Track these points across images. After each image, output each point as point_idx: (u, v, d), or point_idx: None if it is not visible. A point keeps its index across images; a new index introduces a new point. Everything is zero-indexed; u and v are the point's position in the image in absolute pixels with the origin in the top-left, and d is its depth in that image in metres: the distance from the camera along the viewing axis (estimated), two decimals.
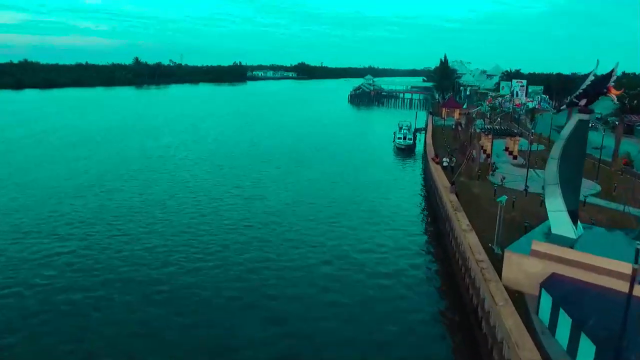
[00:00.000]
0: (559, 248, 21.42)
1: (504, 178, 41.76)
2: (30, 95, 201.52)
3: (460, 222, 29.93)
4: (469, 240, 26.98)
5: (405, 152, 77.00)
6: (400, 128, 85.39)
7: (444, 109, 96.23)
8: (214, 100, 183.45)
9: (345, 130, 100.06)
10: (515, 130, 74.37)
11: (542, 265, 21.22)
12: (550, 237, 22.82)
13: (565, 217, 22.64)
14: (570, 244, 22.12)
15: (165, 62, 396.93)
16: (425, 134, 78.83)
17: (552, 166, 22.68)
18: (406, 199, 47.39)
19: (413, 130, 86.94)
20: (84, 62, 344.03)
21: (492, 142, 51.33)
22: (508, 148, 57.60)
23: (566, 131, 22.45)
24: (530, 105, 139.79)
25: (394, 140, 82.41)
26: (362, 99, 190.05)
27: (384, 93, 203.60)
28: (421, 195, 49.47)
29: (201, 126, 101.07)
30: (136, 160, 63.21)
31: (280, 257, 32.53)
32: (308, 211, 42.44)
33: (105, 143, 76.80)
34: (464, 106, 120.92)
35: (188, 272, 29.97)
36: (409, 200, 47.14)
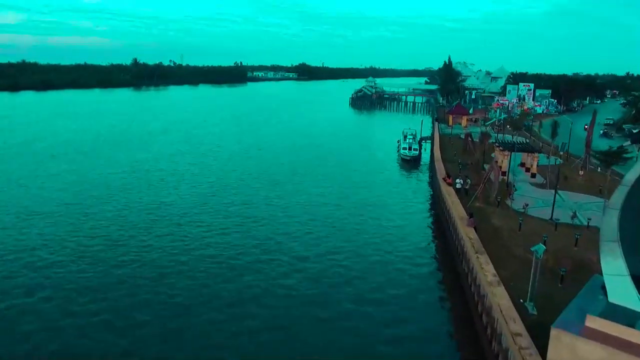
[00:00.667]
0: (625, 329, 16.53)
1: (527, 205, 36.83)
2: (25, 97, 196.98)
3: (485, 270, 25.03)
4: (498, 299, 22.09)
5: (411, 163, 72.22)
6: (405, 137, 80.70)
7: (450, 116, 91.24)
8: (212, 103, 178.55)
9: (347, 138, 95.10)
10: (532, 144, 69.53)
11: (602, 352, 16.30)
12: (607, 309, 17.91)
13: (628, 283, 17.71)
14: (635, 319, 17.23)
15: (166, 62, 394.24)
16: (432, 144, 73.92)
17: (612, 218, 17.76)
18: (414, 226, 42.04)
19: (418, 139, 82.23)
20: (84, 63, 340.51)
21: (509, 160, 46.32)
22: (525, 164, 52.64)
23: (632, 175, 17.55)
24: (538, 110, 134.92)
25: (399, 151, 77.66)
26: (364, 102, 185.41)
27: (386, 95, 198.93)
28: (431, 220, 44.28)
29: (195, 134, 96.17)
30: (119, 176, 58.26)
31: (270, 307, 27.67)
32: (303, 244, 37.53)
33: (90, 154, 71.94)
34: (470, 111, 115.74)
35: (161, 323, 25.17)
36: (418, 228, 41.65)
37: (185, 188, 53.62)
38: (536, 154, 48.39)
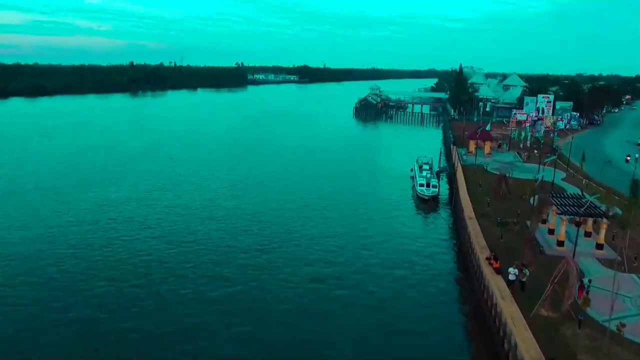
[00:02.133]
0: None
1: (623, 326, 25.24)
2: (13, 105, 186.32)
3: None
4: None
5: (429, 203, 60.71)
6: (420, 167, 69.38)
7: (471, 141, 79.58)
8: (207, 113, 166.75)
9: (352, 166, 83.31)
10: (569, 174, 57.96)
11: None
12: None
13: None
14: None
15: (167, 63, 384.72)
16: (454, 183, 61.92)
17: None
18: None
19: (435, 170, 70.98)
20: (83, 65, 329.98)
21: (577, 231, 34.67)
22: (581, 222, 40.70)
23: None
24: (560, 125, 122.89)
25: (414, 186, 66.22)
26: (369, 111, 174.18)
27: (392, 103, 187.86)
28: (473, 341, 30.43)
29: (180, 159, 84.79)
30: (71, 230, 46.75)
31: None
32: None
33: (49, 192, 60.20)
34: (487, 127, 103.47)
35: None
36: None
37: (154, 251, 42.15)
38: (605, 220, 36.62)
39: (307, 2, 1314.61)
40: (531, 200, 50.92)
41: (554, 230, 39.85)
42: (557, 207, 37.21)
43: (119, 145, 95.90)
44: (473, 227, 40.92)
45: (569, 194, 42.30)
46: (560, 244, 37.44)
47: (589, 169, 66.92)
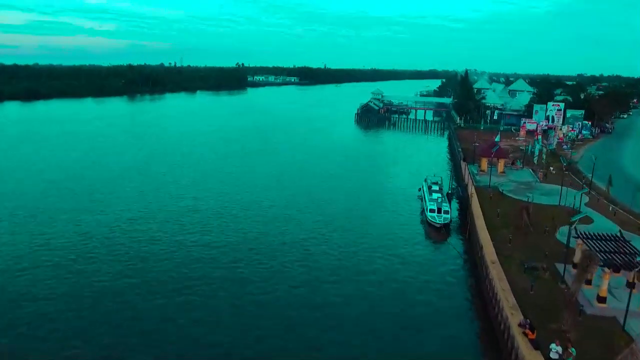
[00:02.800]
0: None
1: None
2: (7, 110, 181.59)
3: None
4: None
5: (440, 231, 55.42)
6: (430, 188, 64.17)
7: (484, 159, 74.11)
8: (203, 119, 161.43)
9: (354, 181, 77.83)
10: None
11: None
12: None
13: None
14: None
15: (166, 63, 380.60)
16: (470, 210, 56.08)
17: None
18: None
19: (446, 191, 65.92)
20: (87, 64, 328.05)
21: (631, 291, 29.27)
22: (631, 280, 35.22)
23: None
24: (572, 135, 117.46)
25: (423, 210, 61.08)
26: (371, 117, 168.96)
27: (394, 108, 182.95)
28: None
29: (170, 174, 79.71)
30: (30, 276, 41.57)
31: None
32: None
33: (27, 220, 54.71)
34: (497, 138, 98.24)
35: None
36: None
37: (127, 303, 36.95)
38: None
39: (308, 2, 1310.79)
40: (558, 236, 45.80)
41: (591, 280, 34.49)
42: (601, 256, 31.79)
43: (106, 160, 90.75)
44: (498, 276, 35.48)
45: (607, 235, 36.76)
46: (602, 300, 32.13)
47: (614, 191, 61.57)
